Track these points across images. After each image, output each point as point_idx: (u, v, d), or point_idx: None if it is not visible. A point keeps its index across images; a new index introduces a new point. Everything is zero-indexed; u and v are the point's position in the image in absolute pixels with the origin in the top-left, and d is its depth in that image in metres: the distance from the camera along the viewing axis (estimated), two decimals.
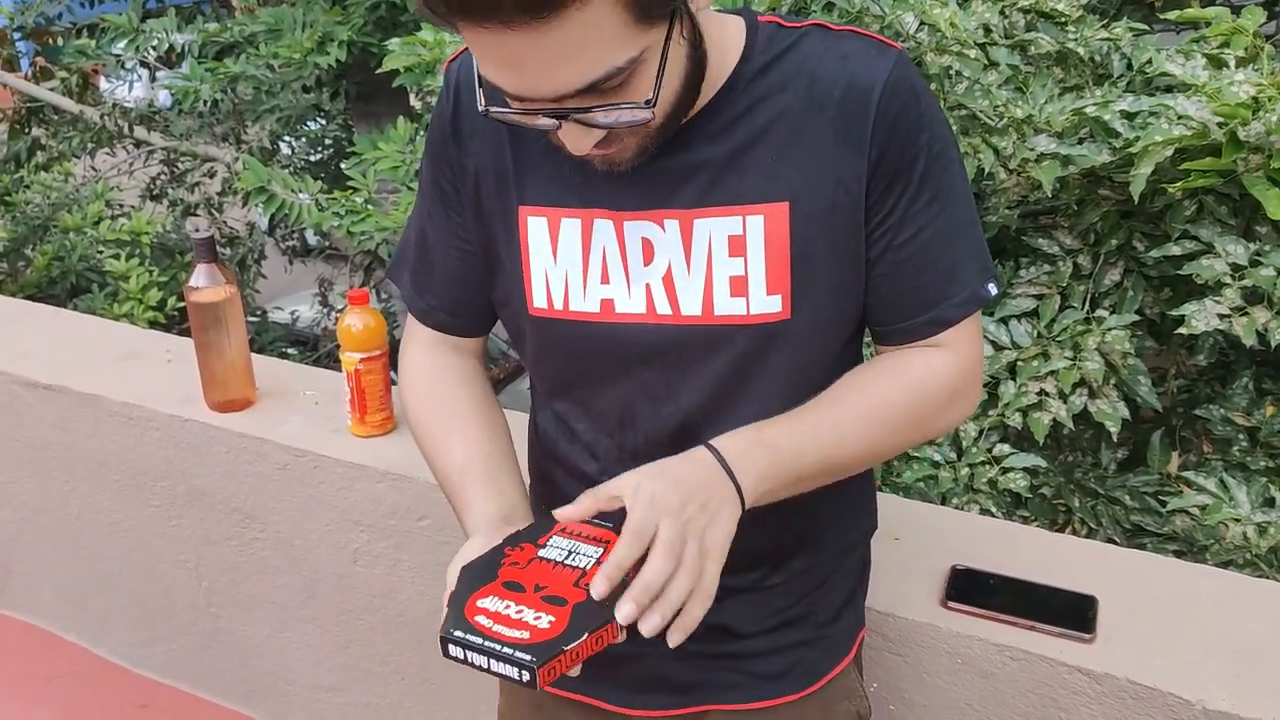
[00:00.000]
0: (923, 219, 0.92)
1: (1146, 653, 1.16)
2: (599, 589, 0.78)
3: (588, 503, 0.84)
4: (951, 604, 1.23)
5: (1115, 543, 2.31)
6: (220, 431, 1.67)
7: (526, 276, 0.97)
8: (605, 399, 0.98)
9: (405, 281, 1.09)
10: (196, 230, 4.27)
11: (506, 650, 0.77)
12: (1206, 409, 2.25)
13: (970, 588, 1.25)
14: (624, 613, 0.78)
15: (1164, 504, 2.27)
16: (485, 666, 0.77)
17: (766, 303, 0.92)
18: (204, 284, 1.59)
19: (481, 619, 0.79)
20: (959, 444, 2.17)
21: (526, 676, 0.76)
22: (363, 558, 1.63)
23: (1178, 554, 2.17)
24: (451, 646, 0.79)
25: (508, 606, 0.80)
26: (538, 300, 0.97)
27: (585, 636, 0.78)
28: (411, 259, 1.08)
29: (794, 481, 0.90)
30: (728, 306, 0.92)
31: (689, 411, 0.96)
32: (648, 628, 0.78)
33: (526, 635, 0.78)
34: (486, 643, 0.77)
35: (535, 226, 0.96)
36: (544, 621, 0.79)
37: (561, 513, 0.84)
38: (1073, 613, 1.20)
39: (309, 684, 1.83)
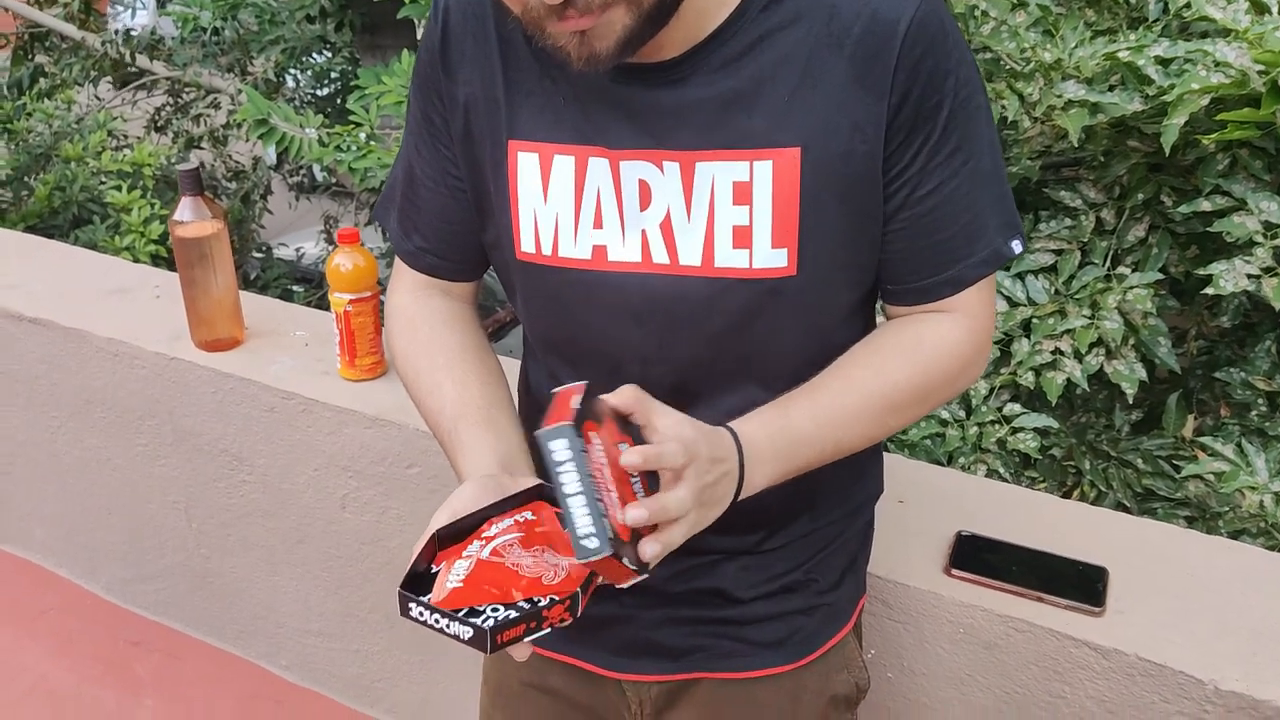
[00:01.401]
0: (945, 171, 0.85)
1: (1158, 628, 1.11)
2: (634, 515, 0.74)
3: (629, 396, 0.79)
4: (955, 571, 1.18)
5: (1125, 507, 2.27)
6: (207, 371, 1.62)
7: (514, 218, 0.90)
8: (594, 353, 0.93)
9: (392, 222, 1.03)
10: (183, 160, 4.21)
11: (460, 615, 0.75)
12: (1227, 372, 2.18)
13: (975, 555, 1.20)
14: (649, 551, 0.75)
15: (1178, 469, 2.21)
16: (442, 628, 0.74)
17: (771, 256, 0.85)
18: (189, 218, 1.53)
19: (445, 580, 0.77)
20: (968, 402, 2.12)
21: (470, 634, 0.74)
22: (351, 504, 1.59)
23: (1189, 520, 2.12)
24: (412, 606, 0.75)
25: (471, 569, 0.78)
26: (525, 244, 0.91)
27: (542, 608, 0.75)
28: (399, 198, 1.02)
29: (795, 471, 0.87)
30: (729, 258, 0.86)
31: (683, 370, 0.90)
32: (649, 552, 0.75)
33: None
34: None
35: (525, 163, 0.89)
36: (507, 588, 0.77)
37: (605, 399, 0.79)
38: (1082, 584, 1.15)
39: (299, 628, 1.80)
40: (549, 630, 0.76)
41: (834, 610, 1.02)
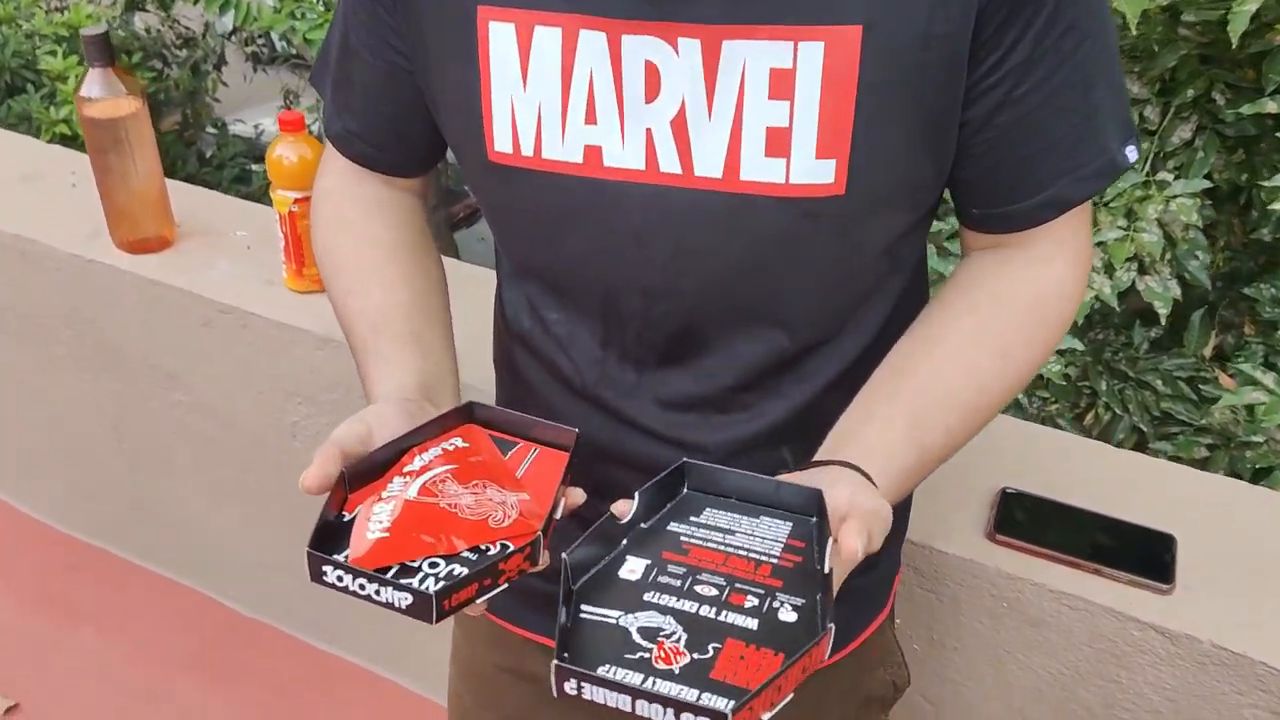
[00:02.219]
0: (1053, 60, 0.64)
1: (1233, 608, 0.96)
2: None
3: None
4: (1000, 537, 1.02)
5: (1141, 432, 2.13)
6: (130, 277, 1.40)
7: (486, 107, 0.69)
8: (584, 283, 0.73)
9: (327, 92, 0.83)
10: (124, 24, 3.85)
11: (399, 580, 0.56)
12: (1256, 288, 2.02)
13: (1023, 516, 1.04)
14: None
15: (1199, 391, 2.07)
16: (370, 595, 0.56)
17: (814, 169, 0.65)
18: (98, 94, 1.28)
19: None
20: None
21: (408, 600, 0.55)
22: (302, 433, 1.40)
23: (1211, 449, 1.99)
24: (327, 570, 0.57)
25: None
26: (500, 142, 0.70)
27: (495, 560, 0.58)
28: (333, 65, 0.81)
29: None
30: (760, 170, 0.65)
31: (692, 310, 0.71)
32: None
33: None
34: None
35: (499, 36, 0.67)
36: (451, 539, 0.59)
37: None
38: (1147, 554, 1.00)
39: (250, 561, 1.64)
40: (505, 586, 0.58)
41: (868, 595, 0.86)
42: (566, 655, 0.53)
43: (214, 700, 1.64)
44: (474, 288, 1.34)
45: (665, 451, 0.74)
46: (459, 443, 0.67)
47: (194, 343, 1.41)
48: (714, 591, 0.57)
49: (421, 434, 0.66)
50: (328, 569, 0.56)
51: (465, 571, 0.57)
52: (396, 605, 0.55)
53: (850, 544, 0.56)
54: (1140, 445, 2.07)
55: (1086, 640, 0.99)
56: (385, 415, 0.67)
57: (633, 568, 0.59)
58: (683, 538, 0.61)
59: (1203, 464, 1.95)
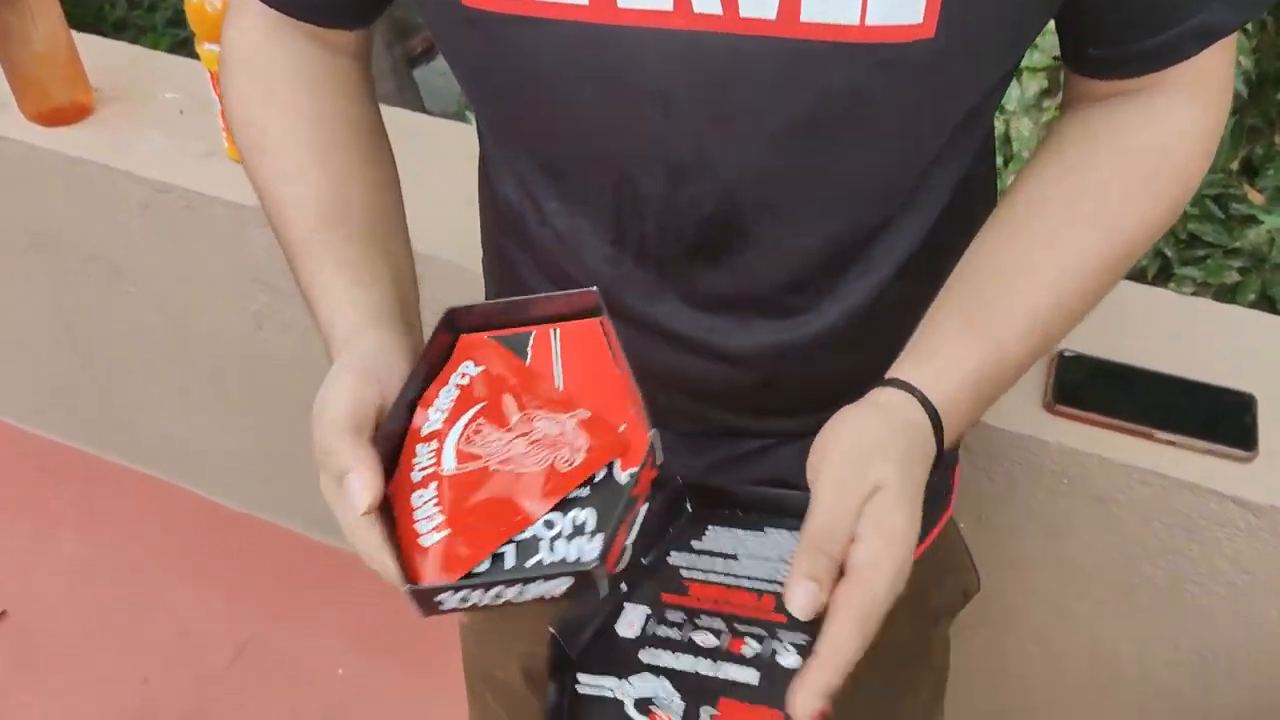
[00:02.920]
0: None
1: None
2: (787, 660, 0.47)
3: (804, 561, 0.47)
4: (1060, 407, 0.91)
5: (1166, 257, 2.01)
6: (49, 155, 1.22)
7: None
8: (591, 162, 0.57)
9: None
10: None
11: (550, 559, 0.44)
12: None
13: (1085, 382, 0.93)
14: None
15: (1227, 210, 1.94)
16: (511, 599, 0.44)
17: (898, 6, 0.48)
18: None
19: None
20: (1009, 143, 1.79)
21: (568, 584, 0.43)
22: (268, 323, 1.26)
23: (1241, 272, 1.87)
24: (444, 599, 0.44)
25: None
26: None
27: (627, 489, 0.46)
28: None
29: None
30: (827, 7, 0.49)
31: (730, 193, 0.55)
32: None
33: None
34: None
35: None
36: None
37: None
38: (1224, 418, 0.89)
39: (224, 453, 1.53)
40: (645, 510, 0.47)
41: (933, 490, 0.74)
42: None
43: (207, 596, 1.57)
44: (452, 150, 1.17)
45: (696, 362, 0.62)
46: (471, 370, 0.52)
47: (134, 229, 1.25)
48: (712, 640, 0.49)
49: (418, 378, 0.52)
50: (444, 597, 0.43)
51: (596, 518, 0.44)
52: (554, 594, 0.43)
53: (834, 659, 0.45)
54: (1165, 272, 1.96)
55: (1157, 515, 0.90)
56: (391, 363, 0.52)
57: (630, 619, 0.50)
58: (683, 571, 0.52)
59: (1233, 290, 1.85)
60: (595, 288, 0.54)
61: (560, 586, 0.42)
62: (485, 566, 0.44)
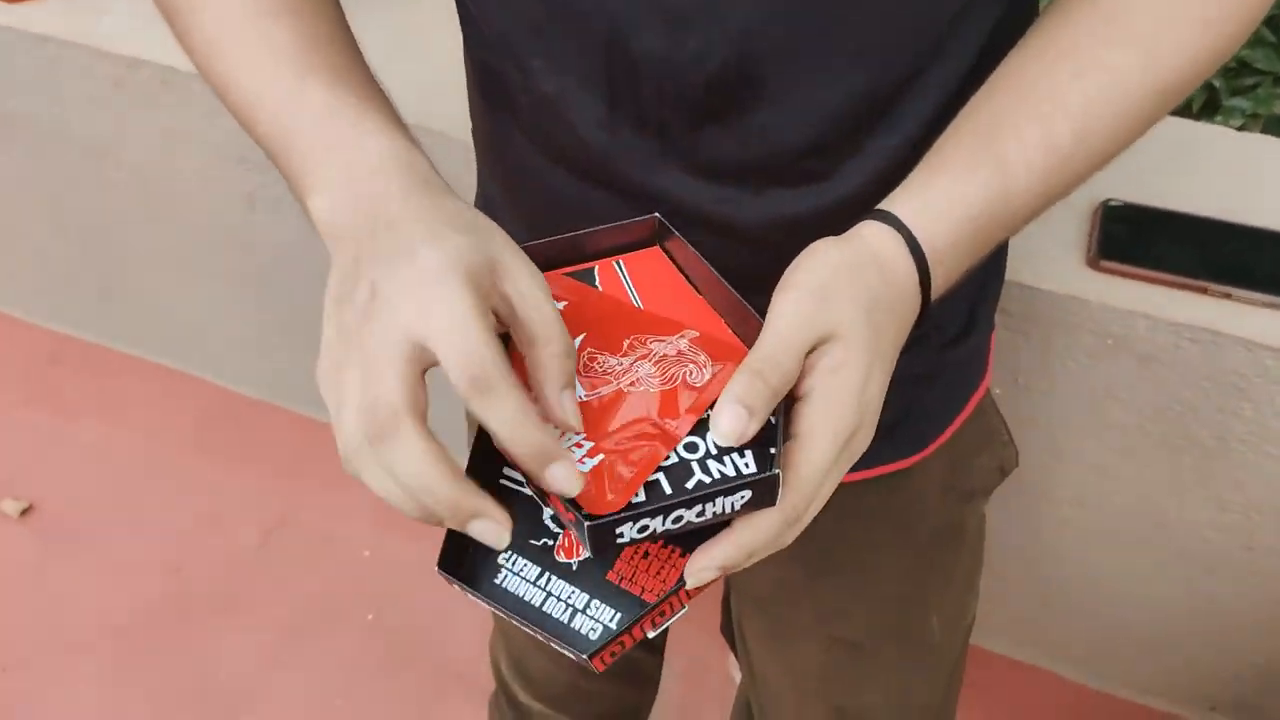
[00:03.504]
0: None
1: None
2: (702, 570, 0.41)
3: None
4: (1104, 263, 0.85)
5: (1213, 88, 1.88)
6: (11, 34, 1.15)
7: None
8: (579, 13, 0.50)
9: None
10: None
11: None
12: None
13: (1132, 234, 0.86)
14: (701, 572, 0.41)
15: (1278, 32, 1.80)
16: (691, 520, 0.39)
17: None
18: None
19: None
20: None
21: (748, 496, 0.39)
22: (261, 203, 1.20)
23: None
24: (624, 530, 0.39)
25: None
26: None
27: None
28: None
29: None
30: None
31: (739, 45, 0.48)
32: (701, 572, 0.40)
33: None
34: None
35: None
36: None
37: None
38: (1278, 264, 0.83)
39: (229, 338, 1.50)
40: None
41: (964, 366, 0.70)
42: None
43: (228, 480, 1.57)
44: (451, 13, 1.08)
45: (703, 238, 0.55)
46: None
47: (110, 109, 1.18)
48: None
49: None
50: (624, 529, 0.38)
51: (748, 418, 0.39)
52: (732, 509, 0.39)
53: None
54: (1212, 104, 1.84)
55: (1207, 374, 0.84)
56: (494, 230, 0.42)
57: None
58: None
59: None
60: (656, 214, 0.49)
61: (739, 501, 0.38)
62: (642, 496, 0.39)
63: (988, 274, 0.70)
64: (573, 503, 0.38)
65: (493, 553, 0.43)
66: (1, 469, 1.61)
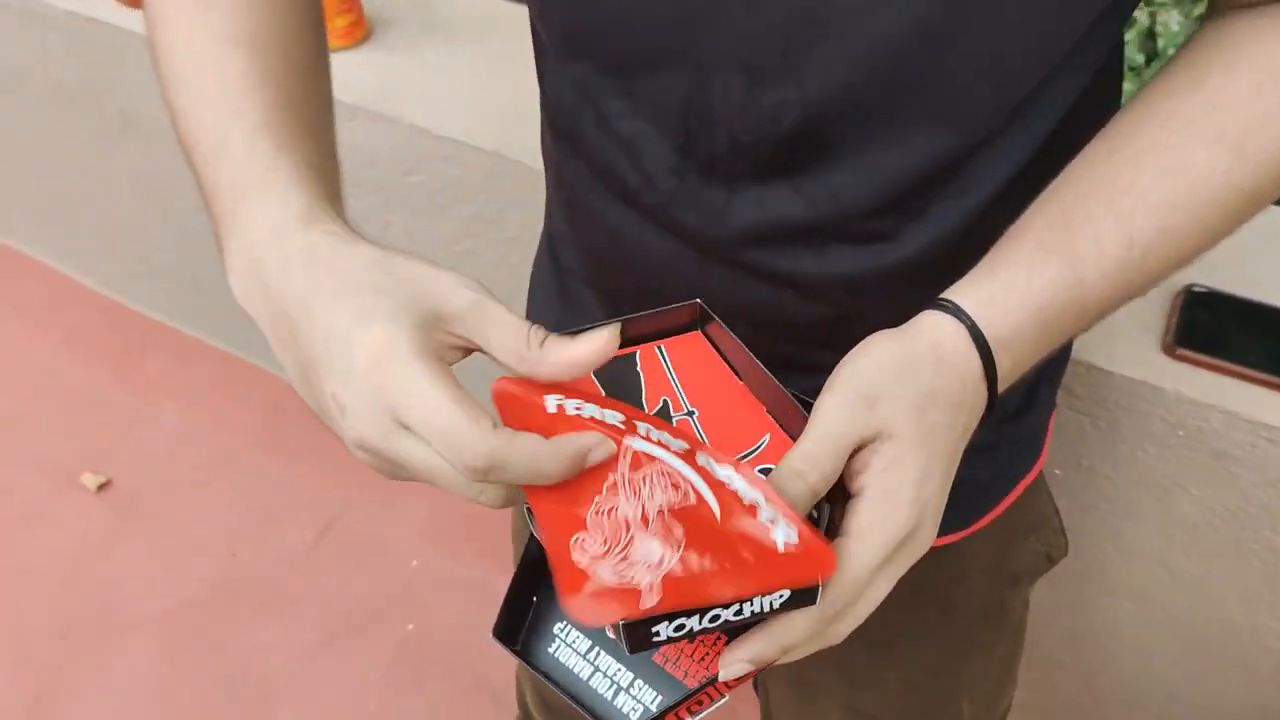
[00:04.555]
0: None
1: None
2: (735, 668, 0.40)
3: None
4: (1181, 350, 0.81)
5: None
6: (134, 38, 1.21)
7: None
8: (661, 61, 0.50)
9: None
10: None
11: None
12: None
13: (1213, 323, 0.82)
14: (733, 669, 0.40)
15: None
16: (728, 619, 0.38)
17: None
18: None
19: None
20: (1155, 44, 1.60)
21: (786, 597, 0.38)
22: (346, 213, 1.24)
23: None
24: (659, 630, 0.37)
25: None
26: None
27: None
28: None
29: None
30: None
31: (825, 101, 0.47)
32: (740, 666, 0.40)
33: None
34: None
35: None
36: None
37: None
38: None
39: None
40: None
41: (1019, 445, 0.68)
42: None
43: (289, 476, 1.61)
44: (510, 46, 1.09)
45: (763, 290, 0.55)
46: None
47: None
48: None
49: None
50: (660, 628, 0.37)
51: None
52: (770, 609, 0.38)
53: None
54: None
55: None
56: (413, 269, 0.40)
57: None
58: None
59: None
60: (698, 300, 0.49)
61: (777, 601, 0.37)
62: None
63: (1054, 359, 0.68)
64: None
65: (548, 623, 0.44)
66: (86, 443, 1.68)
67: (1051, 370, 0.69)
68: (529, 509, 0.39)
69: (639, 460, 0.39)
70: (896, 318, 0.47)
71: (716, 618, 0.37)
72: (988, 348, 0.43)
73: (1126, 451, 0.86)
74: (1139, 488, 0.89)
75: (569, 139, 0.59)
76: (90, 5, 1.23)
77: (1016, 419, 0.66)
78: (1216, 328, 0.82)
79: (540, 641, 0.44)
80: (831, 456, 0.39)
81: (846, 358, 0.43)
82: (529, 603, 0.45)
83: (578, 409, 0.39)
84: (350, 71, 1.09)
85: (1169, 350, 0.82)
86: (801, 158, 0.50)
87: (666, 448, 0.39)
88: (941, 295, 0.45)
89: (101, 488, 1.63)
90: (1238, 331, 0.81)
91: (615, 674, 0.42)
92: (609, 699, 0.42)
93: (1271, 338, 0.81)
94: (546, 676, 0.42)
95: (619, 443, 0.39)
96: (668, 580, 0.36)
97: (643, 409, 0.46)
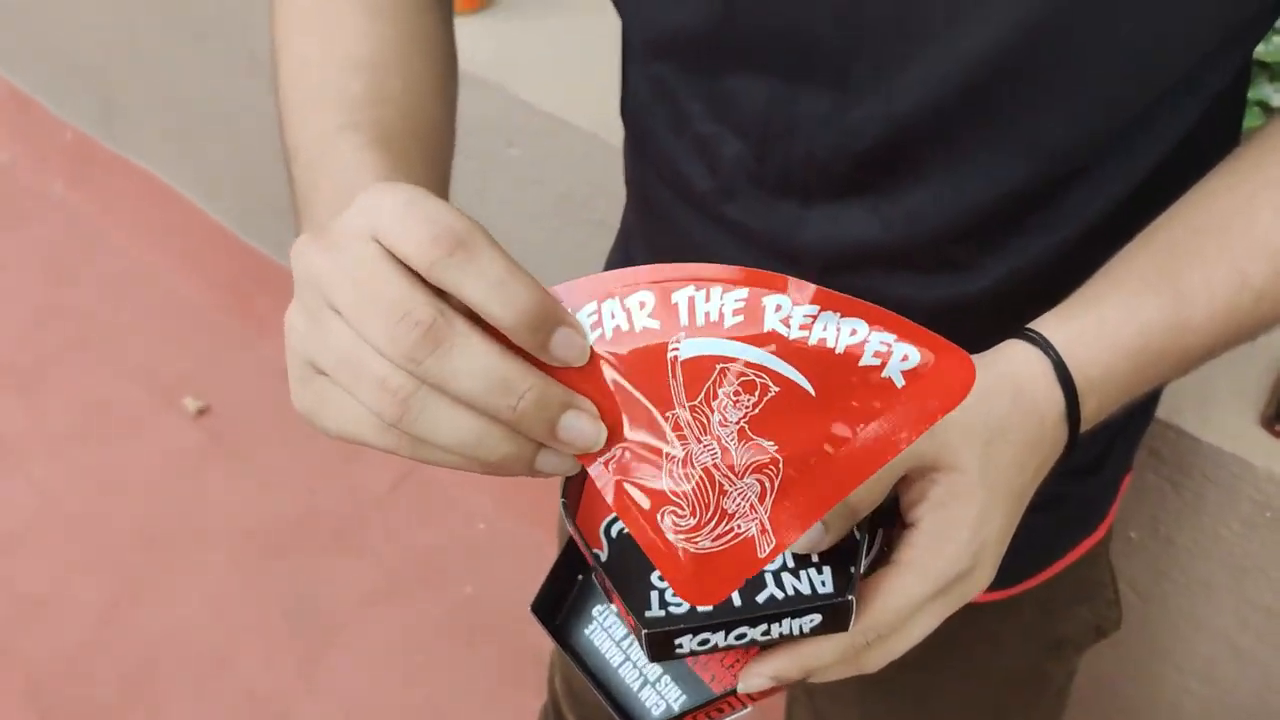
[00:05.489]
0: None
1: None
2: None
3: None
4: None
5: None
6: None
7: None
8: (742, 70, 0.49)
9: None
10: None
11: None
12: None
13: None
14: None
15: None
16: (756, 639, 0.37)
17: None
18: None
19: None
20: None
21: (817, 621, 0.37)
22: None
23: None
24: (682, 642, 0.36)
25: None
26: None
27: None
28: None
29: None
30: None
31: (911, 121, 0.45)
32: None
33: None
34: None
35: None
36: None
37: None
38: None
39: None
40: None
41: (1085, 504, 0.64)
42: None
43: None
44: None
45: None
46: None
47: None
48: None
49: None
50: (684, 640, 0.35)
51: (821, 531, 0.36)
52: (800, 633, 0.37)
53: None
54: None
55: None
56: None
57: None
58: None
59: None
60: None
61: (807, 624, 0.36)
62: (706, 610, 0.36)
63: (1134, 408, 0.64)
64: (632, 608, 0.36)
65: (589, 603, 0.43)
66: (190, 367, 1.76)
67: (1133, 428, 0.65)
68: (565, 504, 0.36)
69: (693, 373, 0.33)
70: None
71: (743, 635, 0.36)
72: (1073, 386, 0.41)
73: (1208, 525, 0.82)
74: (1218, 565, 0.84)
75: (646, 138, 0.58)
76: None
77: (1087, 475, 0.62)
78: None
79: (578, 622, 0.43)
80: (877, 477, 0.36)
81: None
82: (573, 580, 0.44)
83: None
84: (465, 38, 1.09)
85: (1267, 425, 0.77)
86: (880, 177, 0.48)
87: (721, 325, 0.33)
88: (1028, 325, 0.42)
89: (201, 412, 1.71)
90: None
91: (645, 667, 0.41)
92: (634, 690, 0.41)
93: None
94: (575, 658, 0.42)
95: (661, 357, 0.32)
96: (779, 508, 0.32)
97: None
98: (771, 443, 0.32)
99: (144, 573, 1.50)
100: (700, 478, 0.32)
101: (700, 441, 0.33)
